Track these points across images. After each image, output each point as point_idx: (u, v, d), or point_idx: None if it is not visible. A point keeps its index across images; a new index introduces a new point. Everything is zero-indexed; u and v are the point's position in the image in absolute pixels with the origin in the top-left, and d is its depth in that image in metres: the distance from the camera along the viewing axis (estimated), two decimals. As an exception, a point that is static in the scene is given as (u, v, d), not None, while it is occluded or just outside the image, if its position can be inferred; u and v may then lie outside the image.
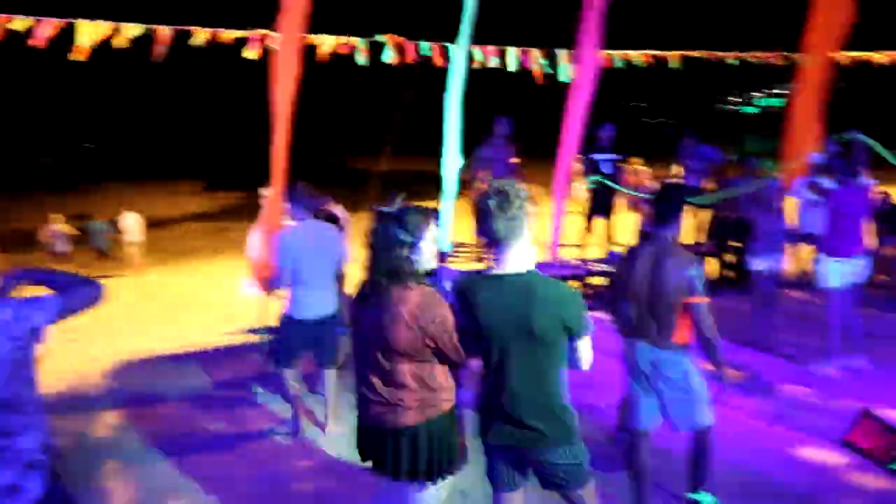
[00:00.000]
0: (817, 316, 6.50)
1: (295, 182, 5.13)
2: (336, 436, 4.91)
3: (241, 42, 7.64)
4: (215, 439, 5.06)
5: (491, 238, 2.73)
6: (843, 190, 6.02)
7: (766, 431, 5.04)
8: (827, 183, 8.68)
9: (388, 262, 2.78)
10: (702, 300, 3.55)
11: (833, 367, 6.05)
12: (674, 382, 3.70)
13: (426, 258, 2.86)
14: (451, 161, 8.02)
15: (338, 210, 6.38)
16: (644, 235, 3.73)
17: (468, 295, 2.79)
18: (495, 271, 2.76)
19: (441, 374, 2.85)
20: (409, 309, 2.73)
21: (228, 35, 7.54)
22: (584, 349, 2.80)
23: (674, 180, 9.80)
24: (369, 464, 2.99)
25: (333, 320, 4.93)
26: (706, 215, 9.79)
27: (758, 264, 6.65)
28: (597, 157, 9.24)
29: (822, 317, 6.21)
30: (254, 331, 6.75)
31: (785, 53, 10.43)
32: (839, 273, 5.98)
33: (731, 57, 10.06)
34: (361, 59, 8.33)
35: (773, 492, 4.20)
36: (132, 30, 7.11)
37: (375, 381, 2.84)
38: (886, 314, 7.77)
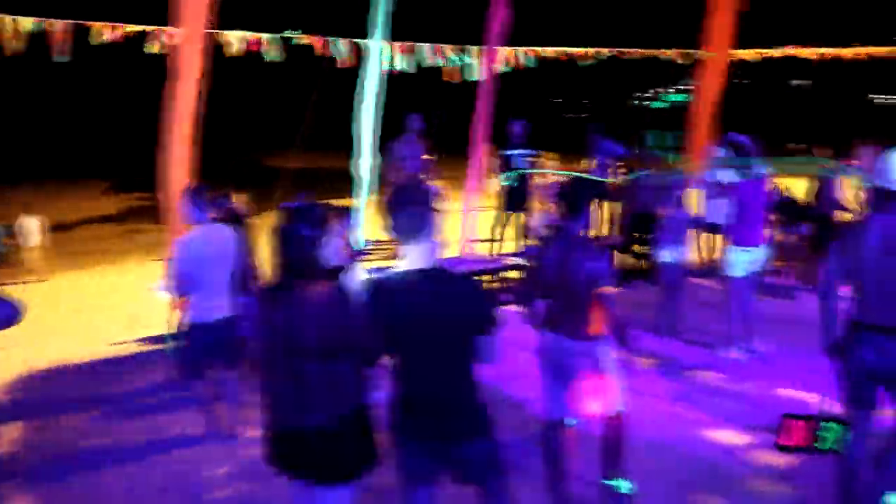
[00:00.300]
0: (720, 303, 6.78)
1: (194, 183, 4.99)
2: (250, 439, 4.81)
3: (143, 37, 7.38)
4: (126, 451, 4.87)
5: (398, 233, 2.73)
6: (746, 182, 6.28)
7: (676, 415, 5.21)
8: (727, 176, 9.08)
9: (296, 260, 2.73)
10: (612, 290, 3.64)
11: (737, 352, 6.32)
12: (584, 372, 3.78)
13: (334, 255, 2.84)
14: (365, 158, 7.98)
15: (241, 207, 6.25)
16: (554, 229, 3.77)
17: (378, 292, 2.77)
18: (404, 267, 2.76)
19: (352, 373, 2.82)
20: (318, 307, 2.69)
21: (128, 29, 7.26)
22: (493, 344, 2.81)
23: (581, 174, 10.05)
24: (281, 468, 2.93)
25: (235, 323, 4.85)
26: (616, 208, 10.07)
27: (664, 255, 6.88)
28: (510, 152, 9.37)
29: (726, 304, 6.48)
30: (164, 336, 6.53)
31: (686, 51, 10.81)
32: (744, 262, 6.25)
33: (636, 54, 10.35)
34: (271, 55, 8.17)
35: (683, 472, 4.34)
36: (25, 23, 6.77)
37: (285, 382, 2.78)
38: (783, 299, 8.17)
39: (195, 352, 4.79)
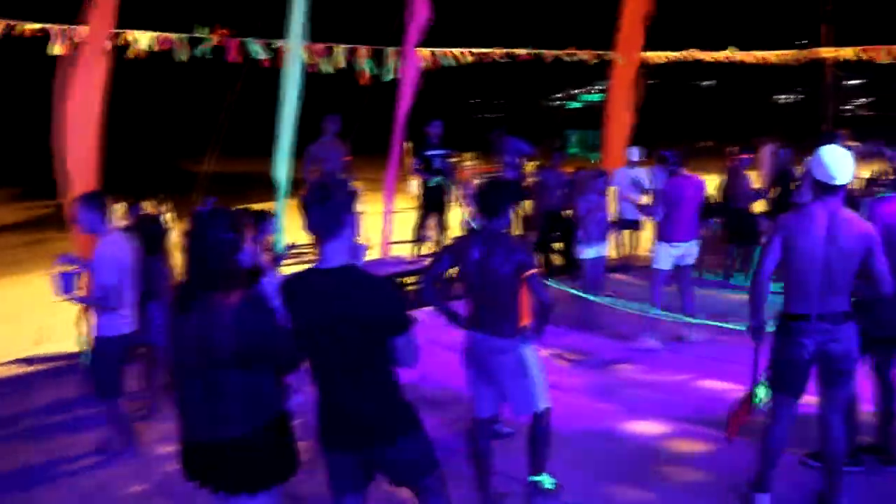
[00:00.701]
0: (642, 297, 6.99)
1: (88, 191, 4.79)
2: (166, 455, 4.66)
3: (46, 36, 7.04)
4: (34, 473, 4.64)
5: (312, 232, 2.70)
6: (674, 180, 6.58)
7: (596, 408, 5.33)
8: (643, 175, 9.40)
9: (209, 266, 2.66)
10: (534, 272, 3.69)
11: (653, 342, 6.52)
12: (510, 370, 3.82)
13: (248, 259, 2.79)
14: (284, 161, 7.85)
15: (155, 214, 6.06)
16: (472, 230, 3.80)
17: (292, 293, 2.75)
18: (317, 267, 2.73)
19: (268, 381, 2.76)
20: (232, 314, 2.62)
21: (28, 27, 6.91)
22: (408, 345, 2.77)
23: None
24: (198, 482, 2.84)
25: (146, 335, 4.73)
26: (529, 206, 10.24)
27: (586, 252, 7.01)
28: (428, 153, 9.40)
29: (645, 297, 6.68)
30: (76, 351, 6.26)
31: (598, 53, 11.08)
32: (670, 256, 6.51)
33: (549, 55, 10.54)
34: (181, 55, 7.94)
35: (605, 464, 4.44)
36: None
37: (199, 393, 2.70)
38: (706, 291, 8.47)
39: (107, 366, 4.61)
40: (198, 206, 2.80)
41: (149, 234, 5.38)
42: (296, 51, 7.56)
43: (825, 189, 3.54)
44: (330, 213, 2.66)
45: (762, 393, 3.96)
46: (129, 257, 4.55)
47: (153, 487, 4.39)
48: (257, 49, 7.99)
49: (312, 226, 2.69)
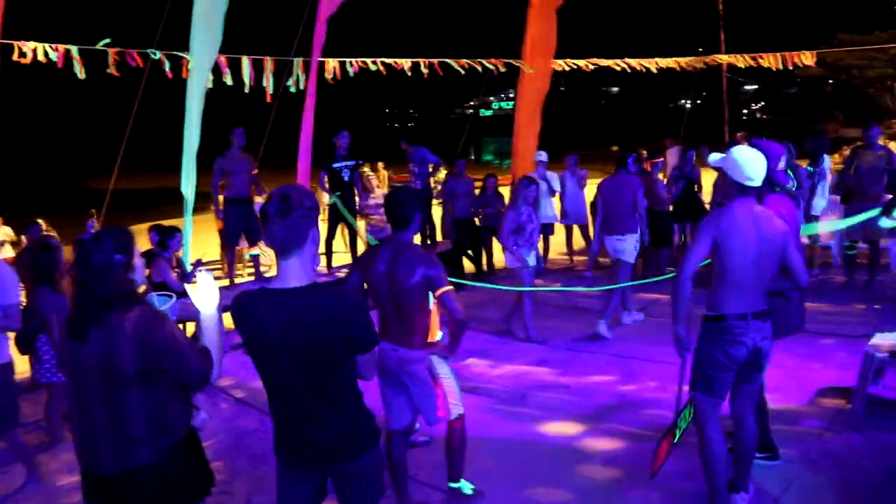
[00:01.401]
0: (554, 301, 7.12)
1: None
2: (69, 486, 4.45)
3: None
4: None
5: (272, 247, 2.58)
6: (607, 181, 7.26)
7: (510, 412, 5.38)
8: (554, 178, 9.65)
9: (101, 289, 2.54)
10: (446, 289, 3.67)
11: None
12: (420, 379, 3.81)
13: (140, 278, 2.69)
14: (189, 175, 7.66)
15: (52, 236, 5.80)
16: (380, 241, 3.74)
17: (246, 311, 2.60)
18: (276, 285, 2.59)
19: (174, 400, 2.66)
20: (132, 330, 2.51)
21: None
22: (370, 361, 2.70)
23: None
24: None
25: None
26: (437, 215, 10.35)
27: (511, 259, 7.05)
28: (337, 165, 9.35)
29: (562, 303, 6.81)
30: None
31: (508, 61, 11.26)
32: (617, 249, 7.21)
33: (460, 64, 10.65)
34: (78, 69, 7.64)
35: (521, 468, 4.49)
36: None
37: (101, 419, 2.57)
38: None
39: (5, 395, 4.38)
40: (81, 234, 2.67)
41: (39, 263, 5.08)
42: (199, 63, 7.40)
43: (743, 189, 3.56)
44: (292, 227, 2.52)
45: (685, 423, 3.91)
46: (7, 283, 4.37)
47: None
48: (159, 59, 7.74)
49: (272, 240, 2.55)
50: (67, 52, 7.48)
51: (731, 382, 3.65)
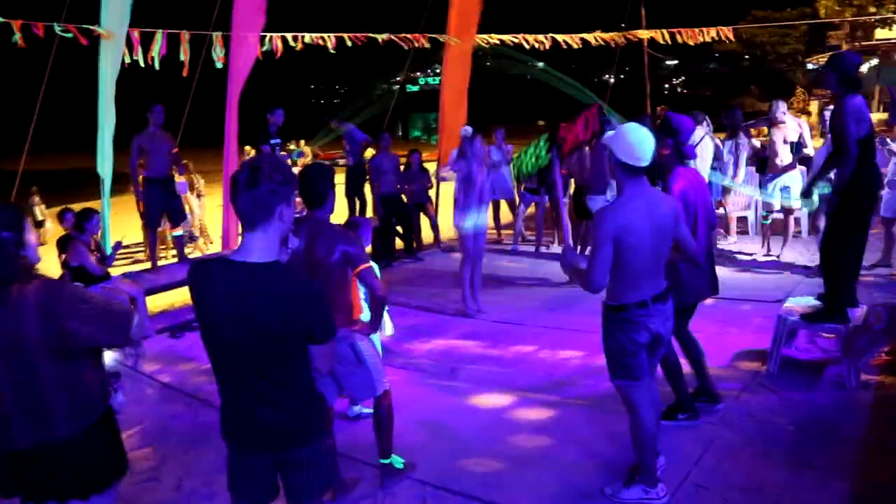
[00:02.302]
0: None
1: None
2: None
3: None
4: None
5: (239, 218, 2.45)
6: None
7: (441, 385, 5.45)
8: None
9: None
10: (366, 266, 3.65)
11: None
12: (343, 357, 3.76)
13: (33, 255, 2.59)
14: (106, 156, 7.39)
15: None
16: (296, 220, 3.61)
17: (199, 281, 2.47)
18: (235, 258, 2.45)
19: (90, 373, 2.59)
20: (36, 303, 2.42)
21: None
22: (325, 353, 2.58)
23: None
24: (19, 494, 2.63)
25: None
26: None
27: (464, 222, 7.01)
28: (271, 142, 9.15)
29: (489, 275, 6.86)
30: None
31: (431, 35, 11.19)
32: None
33: (385, 39, 10.53)
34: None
35: (454, 440, 4.54)
36: None
37: (12, 394, 2.48)
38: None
39: None
40: None
41: None
42: (113, 38, 7.13)
43: (633, 171, 3.42)
44: (259, 199, 2.37)
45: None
46: None
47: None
48: (66, 35, 7.37)
49: (238, 211, 2.42)
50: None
51: (646, 362, 3.64)
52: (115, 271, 7.29)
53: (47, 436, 2.52)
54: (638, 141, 3.39)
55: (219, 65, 8.43)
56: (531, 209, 10.55)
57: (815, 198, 5.71)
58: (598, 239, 3.41)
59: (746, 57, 44.53)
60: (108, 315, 2.55)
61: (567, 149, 5.43)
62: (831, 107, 5.53)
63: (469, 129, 9.99)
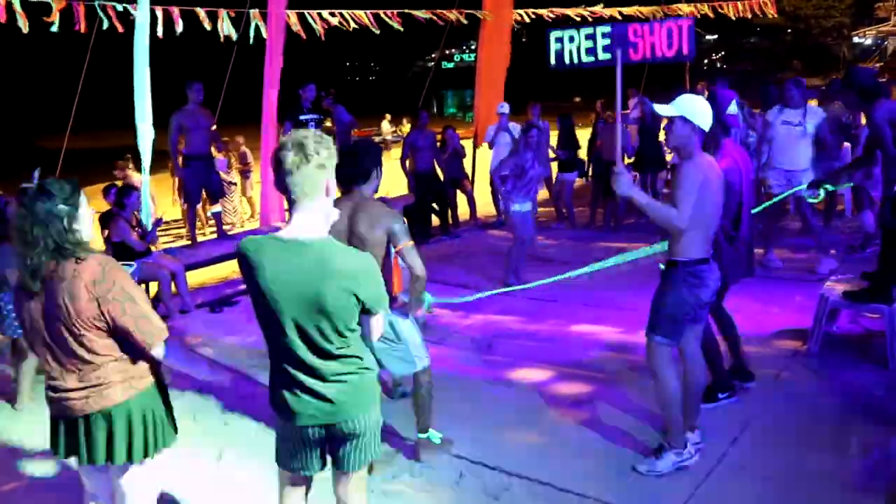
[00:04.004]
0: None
1: None
2: (38, 446, 4.43)
3: None
4: None
5: (284, 194, 2.47)
6: None
7: (480, 360, 5.47)
8: (517, 129, 9.61)
9: (49, 239, 2.51)
10: (407, 244, 3.67)
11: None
12: (383, 334, 3.79)
13: (87, 228, 2.65)
14: (145, 132, 7.48)
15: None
16: (339, 197, 3.62)
17: (250, 258, 2.48)
18: (285, 235, 2.47)
19: (140, 348, 2.67)
20: (87, 279, 2.50)
21: None
22: (378, 323, 2.63)
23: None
24: (78, 456, 2.72)
25: None
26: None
27: (514, 206, 7.12)
28: (302, 118, 9.18)
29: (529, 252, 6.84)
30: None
31: (467, 11, 11.10)
32: None
33: (420, 15, 10.46)
34: (22, 24, 7.34)
35: (492, 414, 4.56)
36: None
37: (70, 367, 2.60)
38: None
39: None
40: (24, 184, 2.60)
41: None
42: (145, 15, 7.17)
43: (700, 136, 3.59)
44: (307, 176, 2.39)
45: None
46: None
47: (25, 482, 4.16)
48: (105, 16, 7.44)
49: (285, 188, 2.43)
50: (9, 4, 7.17)
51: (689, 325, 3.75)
52: (155, 247, 7.42)
53: (101, 403, 2.61)
54: (706, 105, 3.55)
55: (252, 41, 8.46)
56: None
57: (822, 192, 5.62)
58: (685, 187, 3.47)
59: (789, 31, 43.41)
60: (145, 323, 2.60)
61: (637, 58, 4.38)
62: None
63: (506, 106, 9.97)
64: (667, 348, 3.74)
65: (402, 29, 10.22)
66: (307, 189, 2.41)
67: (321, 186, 2.44)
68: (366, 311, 2.54)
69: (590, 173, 10.92)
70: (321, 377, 2.53)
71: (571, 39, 4.51)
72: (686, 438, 3.80)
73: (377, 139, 15.92)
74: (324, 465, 2.75)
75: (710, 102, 4.30)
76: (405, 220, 3.72)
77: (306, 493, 2.85)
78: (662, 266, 3.80)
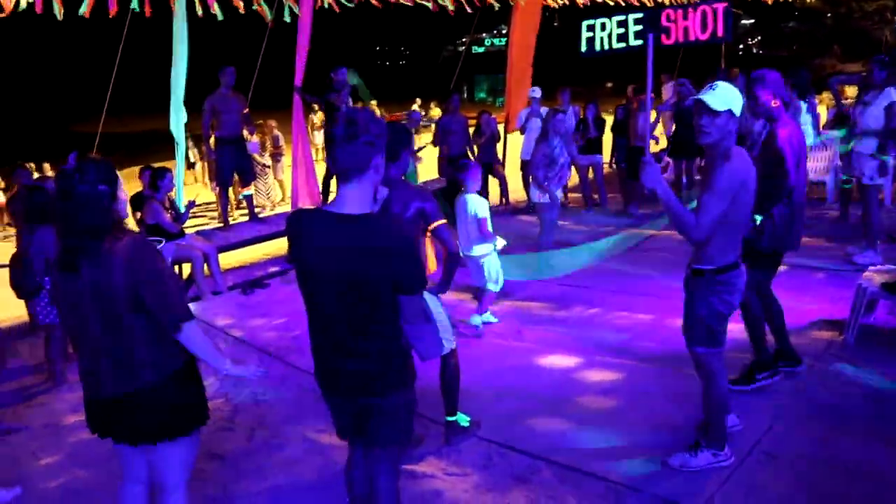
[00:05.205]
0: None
1: None
2: (75, 423, 4.53)
3: None
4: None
5: (334, 171, 2.51)
6: None
7: (508, 346, 5.46)
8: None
9: (89, 219, 2.56)
10: (441, 223, 3.65)
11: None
12: (412, 315, 3.78)
13: (123, 211, 2.70)
14: (179, 116, 7.56)
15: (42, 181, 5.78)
16: None
17: (296, 229, 2.54)
18: (331, 209, 2.50)
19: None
20: (122, 258, 2.55)
21: None
22: (415, 305, 2.63)
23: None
24: (112, 437, 2.80)
25: None
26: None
27: (537, 194, 7.15)
28: (332, 96, 9.17)
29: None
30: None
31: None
32: None
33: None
34: (58, 11, 7.41)
35: (520, 399, 4.56)
36: None
37: (103, 345, 2.64)
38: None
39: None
40: (63, 165, 2.65)
41: (35, 204, 5.11)
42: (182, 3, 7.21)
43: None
44: (356, 152, 2.42)
45: None
46: None
47: (66, 457, 4.27)
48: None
49: (335, 163, 2.48)
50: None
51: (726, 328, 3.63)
52: (187, 229, 7.50)
53: (134, 384, 2.66)
54: (739, 95, 3.38)
55: (287, 18, 8.46)
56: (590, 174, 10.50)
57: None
58: (718, 192, 3.29)
59: (829, 14, 42.37)
60: (171, 304, 2.63)
61: (669, 42, 4.31)
62: None
63: (538, 91, 9.90)
64: (715, 356, 3.60)
65: (435, 8, 10.11)
66: (355, 165, 2.44)
67: (369, 163, 2.46)
68: (402, 291, 2.55)
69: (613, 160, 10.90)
70: (353, 352, 2.57)
71: (603, 27, 4.48)
72: (724, 440, 3.69)
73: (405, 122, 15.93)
74: (364, 434, 2.78)
75: (756, 85, 4.25)
76: (435, 201, 3.71)
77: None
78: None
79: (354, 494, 2.99)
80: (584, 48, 4.58)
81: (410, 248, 2.51)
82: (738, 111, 3.34)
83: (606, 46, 4.47)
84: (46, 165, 9.94)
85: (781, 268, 4.64)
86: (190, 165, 13.63)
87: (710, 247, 3.42)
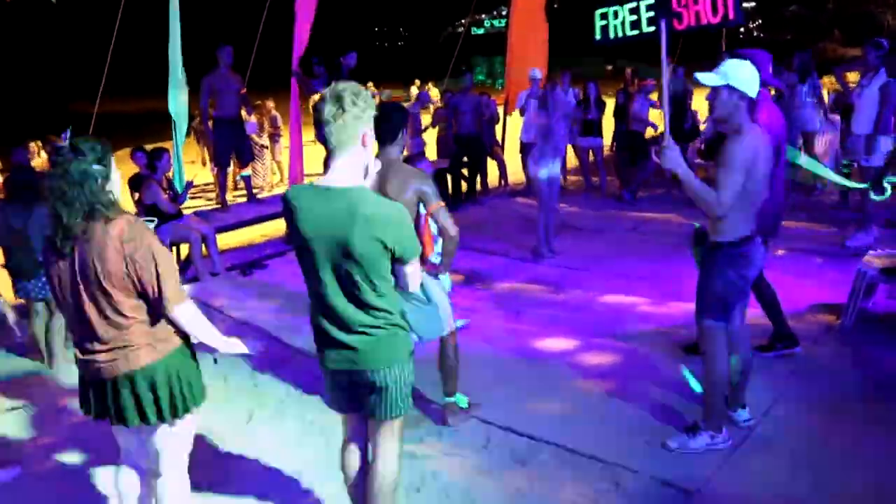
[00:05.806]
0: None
1: None
2: (72, 406, 4.51)
3: None
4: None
5: (323, 144, 2.53)
6: None
7: (506, 327, 5.46)
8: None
9: (83, 198, 2.52)
10: (439, 205, 3.64)
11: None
12: (411, 296, 3.80)
13: (118, 188, 2.67)
14: (177, 95, 7.50)
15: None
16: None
17: (291, 203, 2.56)
18: (323, 182, 2.54)
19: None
20: (116, 238, 2.52)
21: None
22: (412, 273, 2.66)
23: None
24: (104, 417, 2.78)
25: None
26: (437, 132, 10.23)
27: (539, 171, 7.02)
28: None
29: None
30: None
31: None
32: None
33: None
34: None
35: (518, 381, 4.56)
36: None
37: (98, 329, 2.61)
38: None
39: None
40: (55, 141, 2.62)
41: (16, 182, 5.07)
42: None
43: (751, 104, 3.50)
44: (343, 126, 2.45)
45: None
46: None
47: (64, 438, 4.26)
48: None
49: (324, 138, 2.49)
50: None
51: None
52: (185, 210, 7.47)
53: (129, 365, 2.64)
54: (752, 71, 3.39)
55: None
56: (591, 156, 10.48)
57: (888, 188, 5.50)
58: (733, 167, 3.34)
59: (831, -3, 42.08)
60: (165, 284, 2.60)
61: (681, 28, 4.18)
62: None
63: (538, 72, 9.83)
64: (719, 328, 3.63)
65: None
66: (343, 139, 2.47)
67: (357, 137, 2.50)
68: (398, 261, 2.58)
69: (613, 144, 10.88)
70: (349, 325, 2.60)
71: (616, 15, 4.43)
72: (721, 422, 3.73)
73: (406, 104, 15.86)
74: (359, 407, 2.81)
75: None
76: (433, 183, 3.68)
77: (365, 433, 2.92)
78: (697, 224, 3.74)
79: (349, 473, 2.99)
80: (598, 36, 4.54)
81: (397, 216, 2.53)
82: (741, 85, 3.36)
83: (620, 34, 4.42)
84: (33, 145, 9.81)
85: (780, 252, 4.63)
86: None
87: (726, 220, 3.47)
